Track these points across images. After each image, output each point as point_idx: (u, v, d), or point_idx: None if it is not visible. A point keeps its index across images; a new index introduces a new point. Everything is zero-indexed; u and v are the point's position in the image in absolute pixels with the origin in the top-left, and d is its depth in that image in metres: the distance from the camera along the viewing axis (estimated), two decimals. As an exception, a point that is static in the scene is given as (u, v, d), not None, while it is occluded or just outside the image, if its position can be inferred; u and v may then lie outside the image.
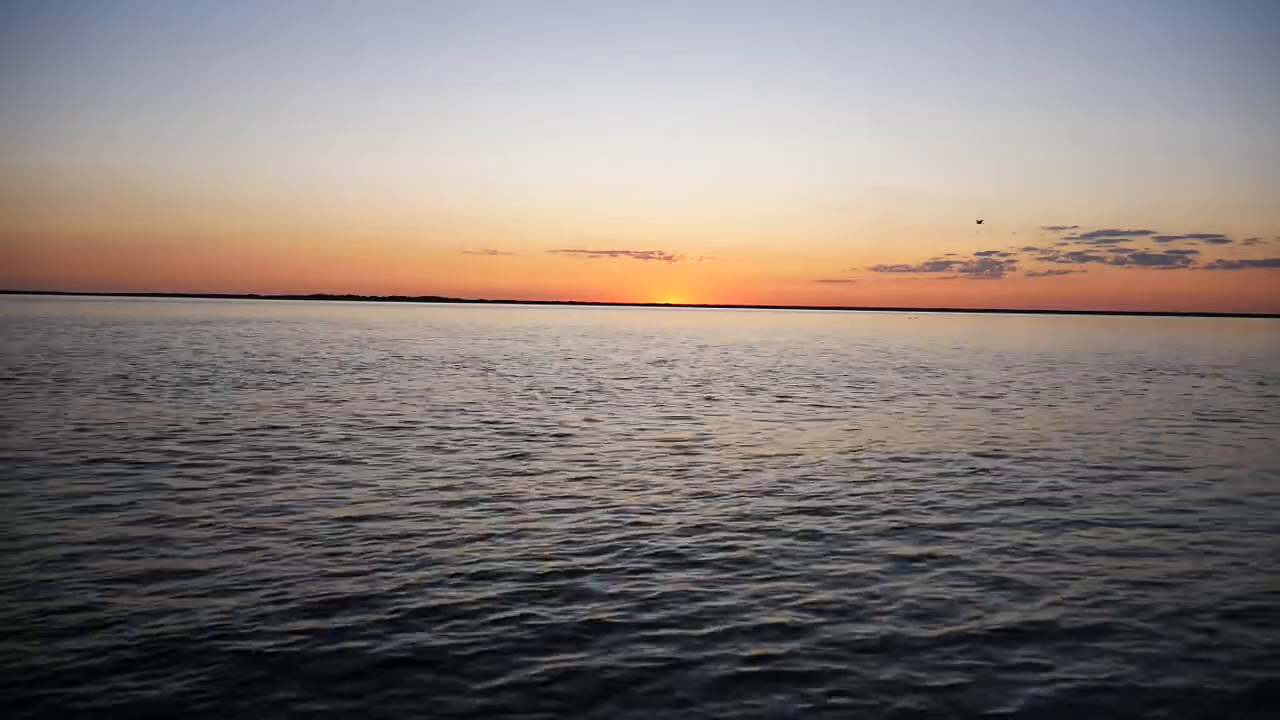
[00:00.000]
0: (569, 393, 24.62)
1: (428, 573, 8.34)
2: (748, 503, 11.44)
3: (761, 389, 26.84)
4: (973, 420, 20.32)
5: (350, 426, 17.20)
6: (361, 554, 8.89)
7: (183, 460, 13.38)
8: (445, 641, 6.81)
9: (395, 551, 8.98)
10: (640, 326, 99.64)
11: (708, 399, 23.71)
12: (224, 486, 11.75)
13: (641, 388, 26.53)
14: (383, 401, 21.49)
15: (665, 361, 38.92)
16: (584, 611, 7.48)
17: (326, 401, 21.26)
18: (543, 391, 24.83)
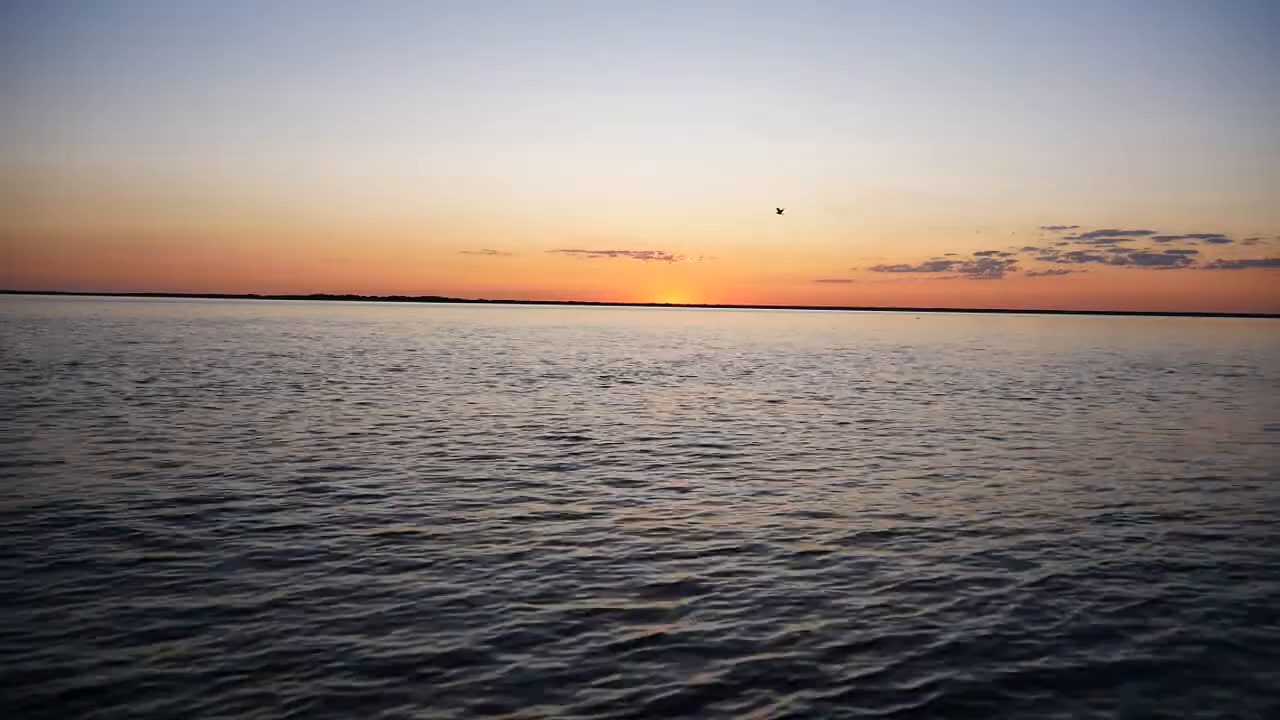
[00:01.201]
0: (629, 402, 24.30)
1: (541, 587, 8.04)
2: (854, 515, 11.14)
3: (819, 394, 26.52)
4: (1042, 429, 20.03)
5: (419, 440, 16.87)
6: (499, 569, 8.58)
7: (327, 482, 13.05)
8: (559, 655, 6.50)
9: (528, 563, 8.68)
10: (651, 327, 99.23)
11: (761, 402, 23.42)
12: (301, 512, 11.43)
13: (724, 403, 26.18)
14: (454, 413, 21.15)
15: (697, 361, 38.60)
16: (699, 629, 7.18)
17: (375, 408, 20.95)
18: (604, 399, 24.50)
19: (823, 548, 9.53)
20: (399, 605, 7.55)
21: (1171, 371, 38.33)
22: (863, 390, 27.21)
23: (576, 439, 16.36)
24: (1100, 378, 33.91)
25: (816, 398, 24.82)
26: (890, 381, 30.41)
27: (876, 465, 14.40)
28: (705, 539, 9.77)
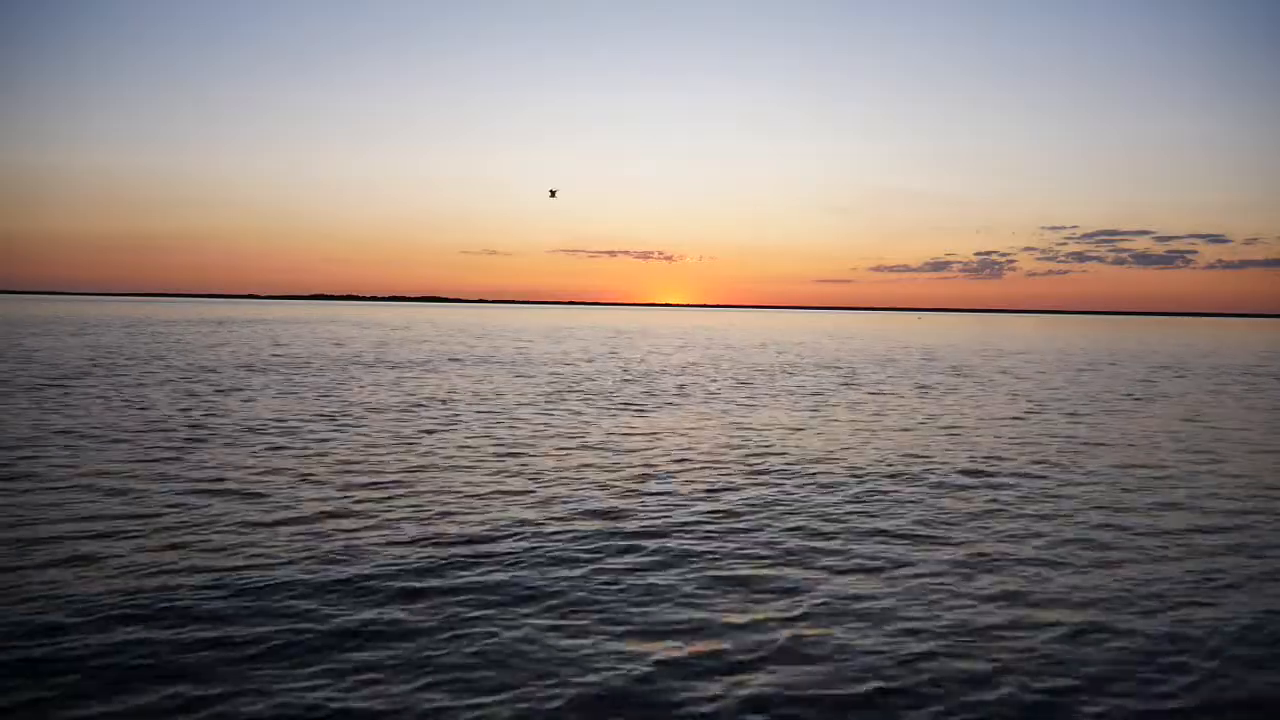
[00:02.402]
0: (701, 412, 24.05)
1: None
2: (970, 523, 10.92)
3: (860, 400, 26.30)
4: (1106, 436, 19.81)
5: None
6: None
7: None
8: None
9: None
10: (662, 327, 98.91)
11: (814, 408, 23.22)
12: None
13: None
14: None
15: (755, 366, 38.40)
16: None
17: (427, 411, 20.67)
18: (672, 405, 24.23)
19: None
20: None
21: (1277, 375, 38.06)
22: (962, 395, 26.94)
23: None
24: (1144, 382, 33.66)
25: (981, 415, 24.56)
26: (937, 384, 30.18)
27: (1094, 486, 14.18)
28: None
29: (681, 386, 27.35)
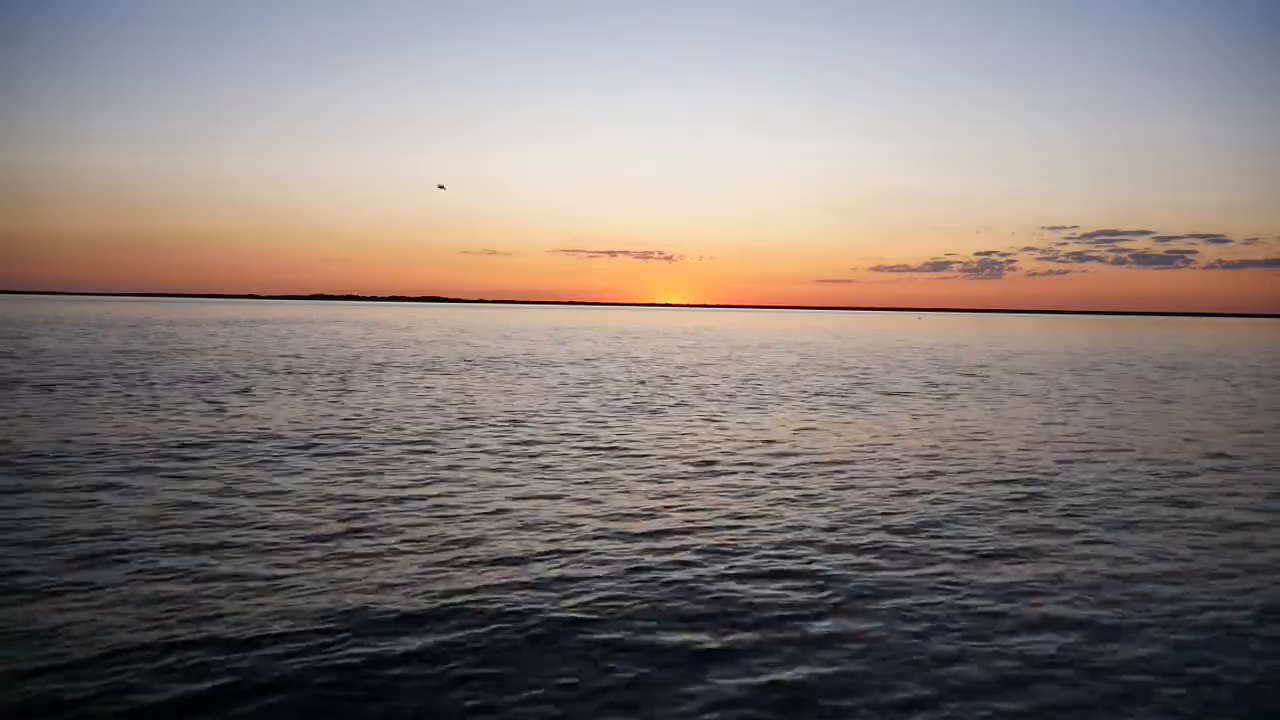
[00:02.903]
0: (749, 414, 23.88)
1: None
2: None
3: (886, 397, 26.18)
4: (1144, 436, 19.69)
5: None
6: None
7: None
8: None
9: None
10: (667, 327, 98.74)
11: (851, 406, 23.10)
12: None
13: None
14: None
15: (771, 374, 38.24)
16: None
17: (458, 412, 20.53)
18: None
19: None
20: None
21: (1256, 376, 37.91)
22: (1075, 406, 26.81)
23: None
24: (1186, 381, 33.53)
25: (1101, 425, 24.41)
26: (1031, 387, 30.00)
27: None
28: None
29: (697, 388, 27.22)
